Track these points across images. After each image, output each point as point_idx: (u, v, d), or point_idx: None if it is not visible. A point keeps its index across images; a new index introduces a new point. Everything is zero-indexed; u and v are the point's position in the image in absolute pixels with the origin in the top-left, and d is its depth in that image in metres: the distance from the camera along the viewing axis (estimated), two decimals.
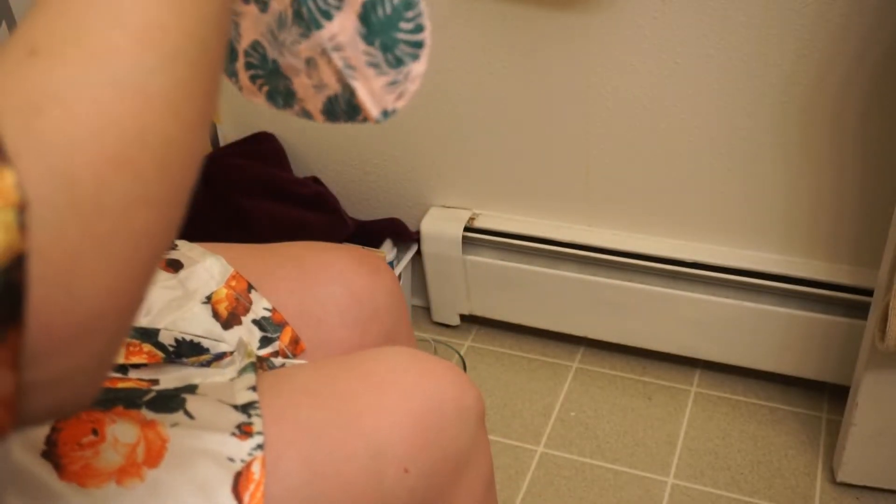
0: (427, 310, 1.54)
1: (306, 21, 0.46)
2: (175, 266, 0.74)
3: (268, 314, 0.73)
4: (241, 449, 0.54)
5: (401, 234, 1.42)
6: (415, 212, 1.45)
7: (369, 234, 1.41)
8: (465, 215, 1.40)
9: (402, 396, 0.62)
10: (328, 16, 0.45)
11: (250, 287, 0.74)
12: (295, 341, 0.73)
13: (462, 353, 1.48)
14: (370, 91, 0.47)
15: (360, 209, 1.49)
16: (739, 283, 1.27)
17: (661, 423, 1.33)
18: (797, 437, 1.28)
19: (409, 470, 0.60)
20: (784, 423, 1.31)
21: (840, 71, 1.08)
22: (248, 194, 1.34)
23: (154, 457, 0.53)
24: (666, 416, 1.34)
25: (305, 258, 0.79)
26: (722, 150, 1.20)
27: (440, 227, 1.40)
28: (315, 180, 1.44)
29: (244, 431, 0.55)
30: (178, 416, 0.56)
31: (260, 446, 0.55)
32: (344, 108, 0.49)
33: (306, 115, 0.51)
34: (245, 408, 0.57)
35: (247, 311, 0.73)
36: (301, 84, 0.49)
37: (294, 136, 1.45)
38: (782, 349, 1.28)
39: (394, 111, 0.48)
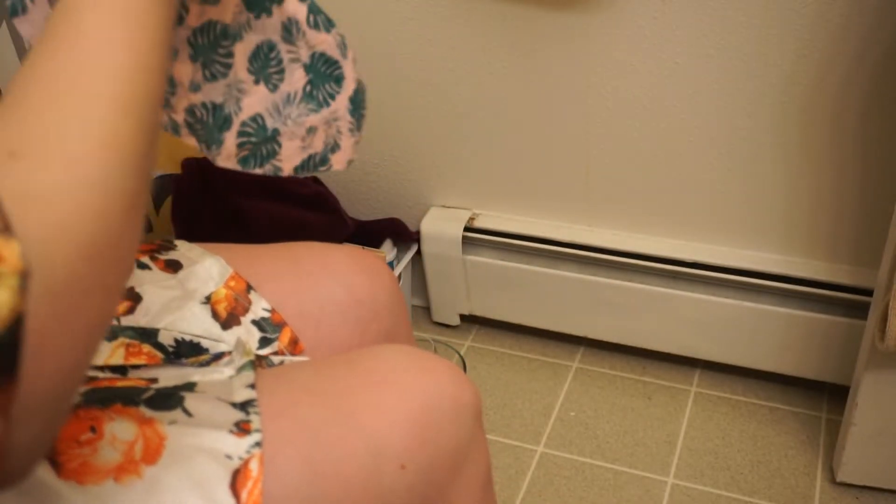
0: (427, 310, 1.54)
1: (318, 101, 0.62)
2: (174, 266, 0.74)
3: (267, 315, 0.73)
4: (239, 446, 0.55)
5: (401, 234, 1.42)
6: (415, 212, 1.45)
7: (369, 234, 1.41)
8: (465, 215, 1.40)
9: (400, 394, 0.62)
10: (333, 97, 0.62)
11: (249, 287, 0.74)
12: (294, 342, 0.73)
13: (462, 353, 1.48)
14: (345, 148, 0.65)
15: (360, 209, 1.49)
16: (739, 283, 1.27)
17: (661, 423, 1.33)
18: (797, 437, 1.28)
19: (407, 467, 0.60)
20: (784, 422, 1.31)
21: (840, 71, 1.08)
22: (247, 194, 1.34)
23: (152, 454, 0.53)
24: (666, 416, 1.34)
25: (305, 258, 0.79)
26: (722, 150, 1.20)
27: (440, 227, 1.40)
28: (315, 180, 1.44)
29: (242, 429, 0.55)
30: (177, 413, 0.56)
31: (258, 444, 0.55)
32: (317, 162, 0.65)
33: (275, 170, 0.64)
34: (243, 405, 0.57)
35: (246, 311, 0.73)
36: (291, 146, 0.62)
37: None
38: (782, 349, 1.28)
39: (352, 161, 0.67)
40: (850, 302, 1.21)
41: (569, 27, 1.18)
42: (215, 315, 0.71)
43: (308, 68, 0.61)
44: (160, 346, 0.67)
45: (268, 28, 0.60)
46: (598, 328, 1.41)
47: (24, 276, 0.30)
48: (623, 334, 1.40)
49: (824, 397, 1.33)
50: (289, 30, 0.60)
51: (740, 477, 1.23)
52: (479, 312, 1.48)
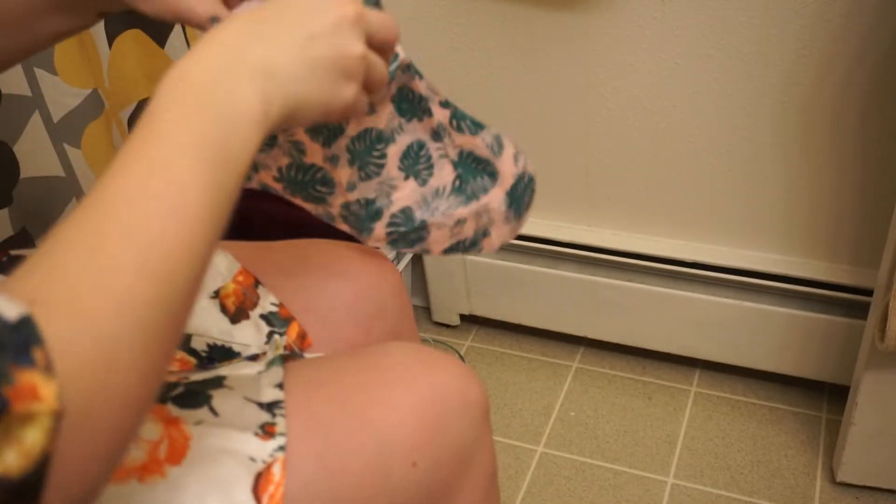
0: (427, 310, 1.54)
1: (467, 194, 0.64)
2: None
3: (275, 309, 0.73)
4: (264, 449, 0.55)
5: None
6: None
7: None
8: None
9: (409, 390, 0.62)
10: (485, 191, 0.64)
11: (257, 283, 0.74)
12: (302, 336, 0.73)
13: (462, 353, 1.48)
14: (499, 236, 0.67)
15: None
16: (739, 283, 1.27)
17: (661, 423, 1.33)
18: (797, 437, 1.28)
19: (417, 464, 0.60)
20: (784, 422, 1.31)
21: (840, 71, 1.08)
22: (247, 194, 1.34)
23: (177, 454, 0.53)
24: (666, 415, 1.34)
25: (312, 255, 0.79)
26: (722, 150, 1.20)
27: None
28: None
29: (267, 432, 0.55)
30: (203, 412, 0.56)
31: (282, 448, 0.55)
32: (467, 246, 0.67)
33: (424, 251, 0.67)
34: (270, 406, 0.57)
35: (254, 305, 0.73)
36: (440, 234, 0.65)
37: None
38: (782, 349, 1.28)
39: (502, 244, 0.69)
40: (850, 302, 1.21)
41: (569, 27, 1.18)
42: (224, 309, 0.71)
43: (457, 164, 0.63)
44: (193, 352, 0.67)
45: (418, 129, 0.63)
46: (598, 328, 1.41)
47: (58, 417, 0.32)
48: (623, 334, 1.40)
49: (824, 397, 1.33)
50: (437, 131, 0.63)
51: (740, 477, 1.23)
52: (479, 312, 1.48)
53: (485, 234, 0.67)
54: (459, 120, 0.64)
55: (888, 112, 1.09)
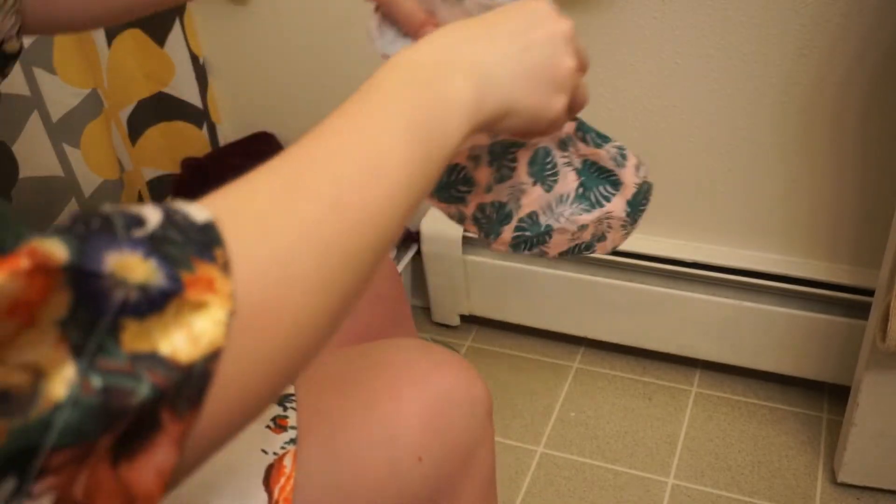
0: (427, 310, 1.54)
1: (590, 201, 0.66)
2: None
3: None
4: (275, 442, 0.55)
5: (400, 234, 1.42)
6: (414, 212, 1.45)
7: None
8: None
9: (416, 387, 0.64)
10: (609, 199, 0.66)
11: None
12: None
13: (462, 354, 1.48)
14: (613, 240, 0.69)
15: None
16: (739, 283, 1.26)
17: (661, 423, 1.32)
18: (797, 438, 1.28)
19: (423, 459, 0.61)
20: (784, 423, 1.31)
21: (840, 71, 1.08)
22: None
23: None
24: (666, 416, 1.34)
25: None
26: (722, 150, 1.20)
27: (440, 227, 1.40)
28: None
29: (279, 425, 0.56)
30: None
31: (293, 440, 0.56)
32: (582, 248, 0.69)
33: (541, 254, 0.69)
34: (281, 400, 0.58)
35: None
36: (561, 239, 0.67)
37: (294, 137, 1.45)
38: (782, 349, 1.28)
39: (615, 247, 0.71)
40: (850, 302, 1.21)
41: None
42: None
43: (580, 172, 0.65)
44: None
45: (545, 138, 0.64)
46: (598, 328, 1.40)
47: (231, 314, 0.32)
48: (623, 334, 1.40)
49: (825, 397, 1.33)
50: (564, 141, 0.65)
51: (741, 477, 1.23)
52: (479, 312, 1.48)
53: (601, 238, 0.69)
54: (585, 132, 0.65)
55: (888, 112, 1.09)
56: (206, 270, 0.31)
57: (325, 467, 0.57)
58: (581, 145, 0.65)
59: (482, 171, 0.65)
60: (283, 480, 0.54)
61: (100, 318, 0.29)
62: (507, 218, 0.67)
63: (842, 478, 1.18)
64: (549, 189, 0.66)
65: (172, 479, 0.31)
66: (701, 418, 1.33)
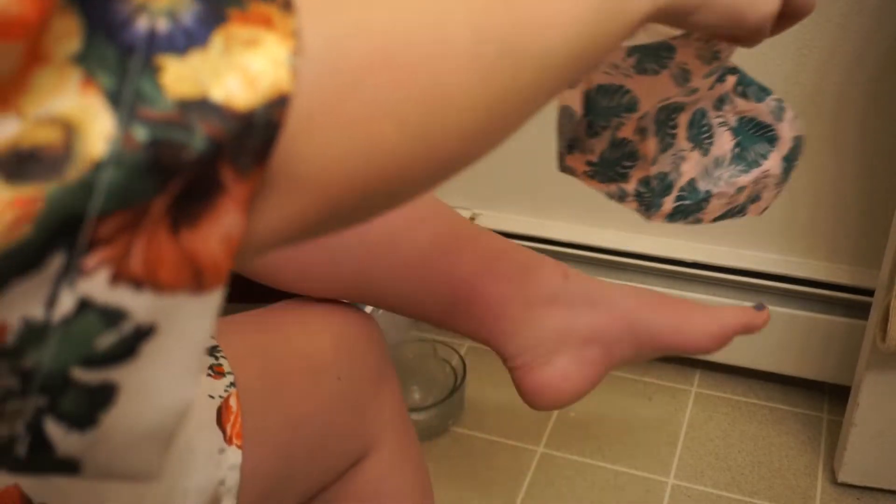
0: None
1: (747, 161, 0.63)
2: None
3: None
4: (218, 387, 0.60)
5: None
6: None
7: None
8: (466, 215, 1.40)
9: (325, 322, 0.72)
10: (765, 157, 0.63)
11: None
12: None
13: (462, 353, 1.48)
14: (766, 199, 0.66)
15: None
16: (739, 283, 1.26)
17: (662, 423, 1.32)
18: (798, 438, 1.28)
19: (341, 378, 0.69)
20: (784, 423, 1.31)
21: (840, 71, 1.08)
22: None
23: None
24: (666, 416, 1.34)
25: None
26: None
27: None
28: None
29: (217, 371, 0.61)
30: None
31: (233, 384, 0.60)
32: (735, 212, 0.66)
33: (696, 221, 0.66)
34: (211, 351, 0.63)
35: None
36: (718, 204, 0.64)
37: None
38: (783, 349, 1.28)
39: (766, 208, 0.68)
40: (850, 302, 1.21)
41: None
42: None
43: (736, 131, 0.63)
44: None
45: (705, 97, 0.61)
46: None
47: (295, 53, 0.26)
48: None
49: (825, 397, 1.33)
50: (721, 98, 0.62)
51: (741, 477, 1.23)
52: None
53: (755, 199, 0.67)
54: (746, 86, 0.62)
55: (888, 112, 1.09)
56: (260, 8, 0.26)
57: (263, 399, 0.63)
58: (740, 101, 0.62)
59: (649, 143, 0.62)
60: (232, 418, 0.59)
61: (129, 55, 0.24)
62: (669, 189, 0.64)
63: (842, 478, 1.18)
64: (705, 153, 0.63)
65: (242, 251, 0.27)
66: (701, 418, 1.33)
